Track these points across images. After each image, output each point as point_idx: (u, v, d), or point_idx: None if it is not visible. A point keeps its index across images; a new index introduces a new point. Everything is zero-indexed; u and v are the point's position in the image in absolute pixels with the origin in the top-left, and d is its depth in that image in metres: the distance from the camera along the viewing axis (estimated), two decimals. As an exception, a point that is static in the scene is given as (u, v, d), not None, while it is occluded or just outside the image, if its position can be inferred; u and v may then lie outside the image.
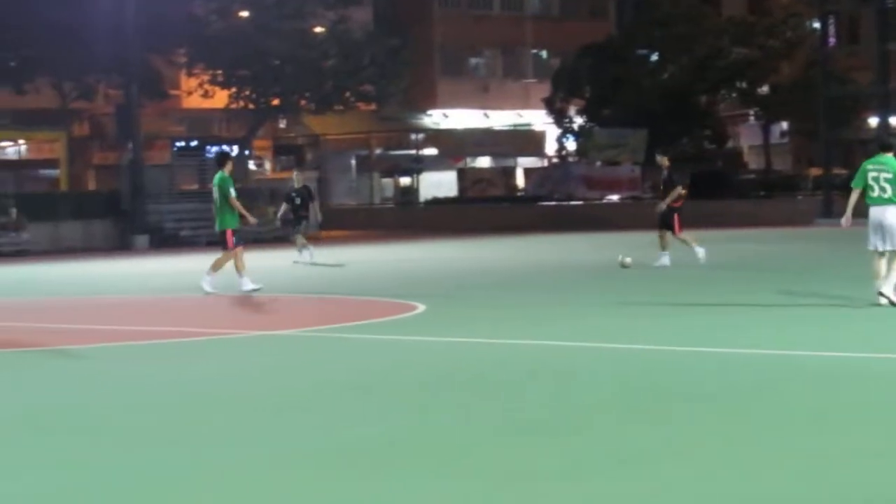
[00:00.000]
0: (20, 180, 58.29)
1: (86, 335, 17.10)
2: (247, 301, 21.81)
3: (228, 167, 23.20)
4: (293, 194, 32.50)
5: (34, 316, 20.93)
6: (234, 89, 59.11)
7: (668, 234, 25.96)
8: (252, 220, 23.47)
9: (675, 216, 26.03)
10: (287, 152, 69.52)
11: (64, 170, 54.34)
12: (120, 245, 46.03)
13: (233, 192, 22.71)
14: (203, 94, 59.64)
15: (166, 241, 46.29)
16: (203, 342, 15.89)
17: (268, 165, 69.95)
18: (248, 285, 22.68)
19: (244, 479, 8.05)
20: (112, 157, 58.07)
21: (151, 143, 57.96)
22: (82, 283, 29.04)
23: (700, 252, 25.79)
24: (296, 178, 33.63)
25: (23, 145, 61.79)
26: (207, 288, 22.85)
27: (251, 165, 64.43)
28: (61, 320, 19.97)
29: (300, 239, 31.84)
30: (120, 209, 47.79)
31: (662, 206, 25.96)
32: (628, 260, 25.62)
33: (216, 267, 23.00)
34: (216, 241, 23.82)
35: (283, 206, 33.00)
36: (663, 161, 26.75)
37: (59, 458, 8.87)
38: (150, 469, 8.36)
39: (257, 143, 66.76)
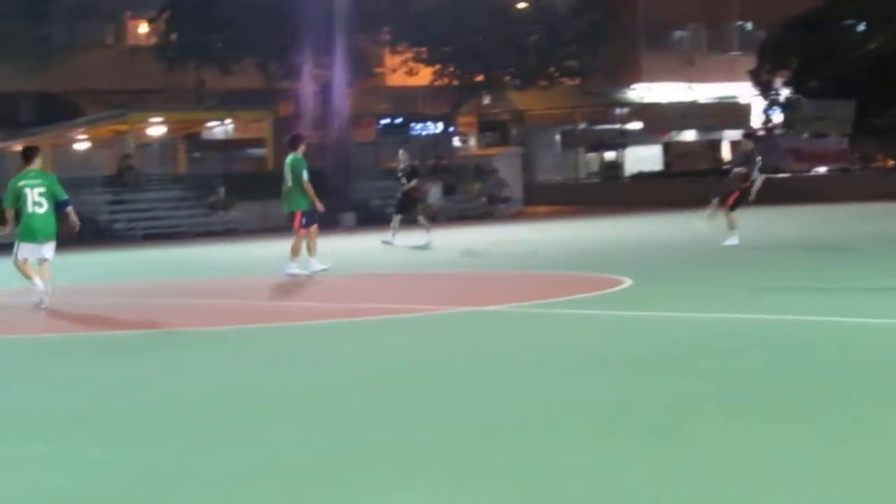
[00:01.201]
0: (228, 160, 59.24)
1: (303, 312, 17.10)
2: (454, 278, 21.68)
3: (301, 149, 23.08)
4: (399, 174, 31.54)
5: (249, 293, 21.07)
6: (437, 66, 59.17)
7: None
8: (320, 206, 23.02)
9: (735, 195, 25.71)
10: (491, 128, 69.50)
11: (270, 149, 55.00)
12: (326, 223, 46.29)
13: (305, 174, 22.58)
14: (407, 72, 59.79)
15: (372, 219, 46.52)
16: (413, 318, 15.76)
17: (472, 142, 69.94)
18: (316, 266, 22.64)
19: (460, 451, 7.80)
20: (317, 136, 58.64)
21: (356, 121, 58.35)
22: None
23: (730, 240, 25.10)
24: (401, 157, 32.05)
25: (230, 125, 62.71)
26: (294, 270, 22.63)
27: (456, 142, 64.51)
28: (273, 297, 20.07)
29: (421, 219, 31.03)
30: (326, 187, 48.18)
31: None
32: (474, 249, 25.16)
33: (294, 252, 22.85)
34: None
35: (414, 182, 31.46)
36: (747, 144, 26.74)
37: (263, 433, 8.75)
38: (356, 444, 8.18)
39: (462, 119, 66.75)
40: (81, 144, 58.39)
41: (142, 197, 48.35)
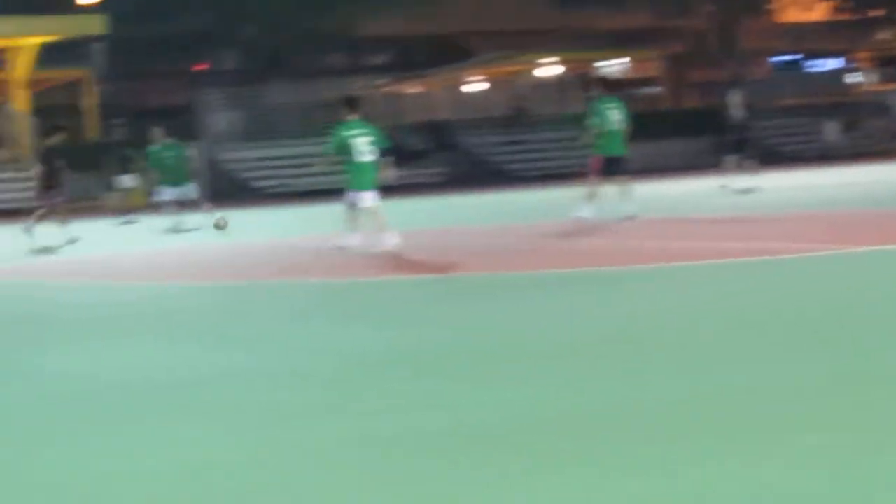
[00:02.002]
0: (622, 100, 58.73)
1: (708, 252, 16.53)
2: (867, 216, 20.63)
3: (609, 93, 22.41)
4: (733, 115, 30.36)
5: (634, 234, 20.61)
6: (836, 1, 57.11)
7: None
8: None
9: None
10: (889, 64, 66.74)
11: (663, 88, 54.28)
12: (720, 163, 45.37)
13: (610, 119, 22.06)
14: (803, 8, 57.93)
15: (769, 158, 45.23)
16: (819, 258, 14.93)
17: (869, 78, 67.35)
18: (583, 212, 22.22)
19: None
20: (711, 75, 57.47)
21: (751, 58, 56.94)
22: (690, 201, 28.61)
23: None
24: (732, 100, 30.88)
25: (623, 65, 62.26)
26: (584, 215, 22.24)
27: (853, 78, 62.30)
28: (672, 238, 19.55)
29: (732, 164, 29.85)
30: (720, 126, 47.20)
31: None
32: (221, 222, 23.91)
33: (590, 196, 22.49)
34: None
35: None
36: None
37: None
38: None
39: (858, 55, 64.35)
40: (473, 86, 58.98)
41: (535, 137, 48.45)
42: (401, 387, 8.22)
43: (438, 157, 50.26)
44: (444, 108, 56.74)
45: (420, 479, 5.80)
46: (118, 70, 54.95)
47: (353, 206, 18.64)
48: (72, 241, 23.92)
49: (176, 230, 26.25)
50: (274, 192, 44.06)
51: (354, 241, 18.36)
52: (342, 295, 14.48)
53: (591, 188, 22.87)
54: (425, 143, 51.39)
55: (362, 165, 18.43)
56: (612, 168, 22.91)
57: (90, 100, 49.77)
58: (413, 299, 13.47)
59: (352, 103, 19.04)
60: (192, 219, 27.14)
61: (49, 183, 24.68)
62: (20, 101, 43.84)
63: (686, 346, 9.26)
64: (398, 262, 17.32)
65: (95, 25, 42.68)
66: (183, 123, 48.57)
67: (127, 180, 33.63)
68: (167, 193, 27.33)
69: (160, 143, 28.00)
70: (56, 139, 25.56)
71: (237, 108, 50.14)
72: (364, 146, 18.42)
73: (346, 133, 18.47)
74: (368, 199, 18.55)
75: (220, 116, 49.24)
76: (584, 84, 23.10)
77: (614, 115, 23.05)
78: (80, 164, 37.17)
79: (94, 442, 7.16)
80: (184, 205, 27.58)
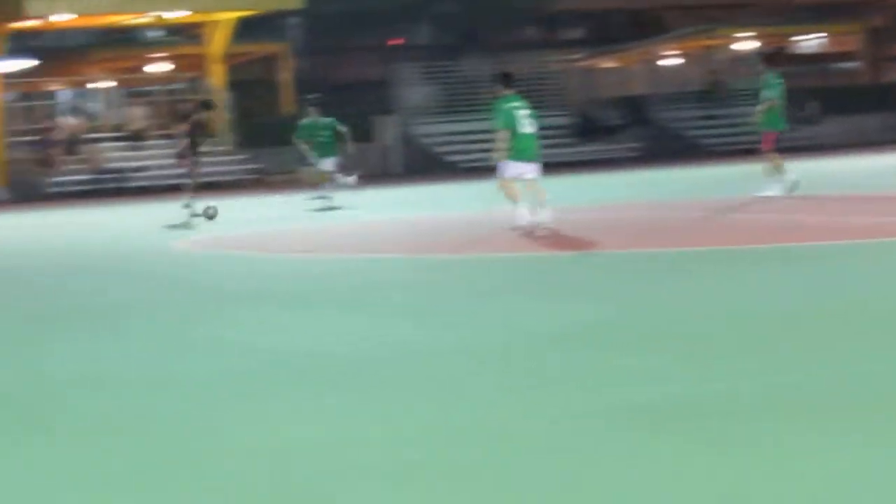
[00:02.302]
0: (820, 74, 57.61)
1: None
2: None
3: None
4: None
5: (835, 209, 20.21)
6: None
7: None
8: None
9: None
10: None
11: (861, 62, 53.06)
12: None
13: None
14: None
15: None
16: None
17: None
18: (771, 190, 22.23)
19: None
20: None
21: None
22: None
23: None
24: None
25: (820, 39, 60.99)
26: (773, 193, 22.21)
27: None
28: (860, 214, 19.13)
29: None
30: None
31: None
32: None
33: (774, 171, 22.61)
34: None
35: None
36: None
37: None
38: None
39: None
40: (669, 60, 58.39)
41: (730, 112, 47.78)
42: (603, 362, 8.21)
43: (634, 131, 49.92)
44: (639, 83, 56.31)
45: (638, 453, 5.81)
46: (314, 44, 55.62)
47: (516, 178, 18.65)
48: (210, 216, 24.47)
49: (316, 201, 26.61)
50: (467, 166, 44.19)
51: (523, 215, 18.34)
52: (527, 270, 14.47)
53: (773, 164, 22.75)
54: (621, 117, 51.09)
55: (525, 137, 18.53)
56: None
57: (286, 74, 50.48)
58: (593, 275, 13.41)
59: (507, 79, 19.19)
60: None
61: (190, 156, 25.32)
62: (217, 76, 44.66)
63: (876, 324, 9.05)
64: (567, 237, 17.30)
65: (291, 0, 43.30)
66: (378, 98, 49.04)
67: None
68: (326, 164, 27.92)
69: (313, 118, 28.45)
70: (201, 115, 26.25)
71: (431, 83, 50.38)
72: (525, 119, 18.52)
73: (509, 106, 18.57)
74: (532, 170, 18.59)
75: (414, 91, 49.54)
76: (763, 60, 22.80)
77: (777, 91, 22.95)
78: (275, 138, 37.77)
79: (297, 410, 7.28)
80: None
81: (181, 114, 39.59)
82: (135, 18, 44.00)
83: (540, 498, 5.17)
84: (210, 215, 24.76)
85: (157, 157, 39.84)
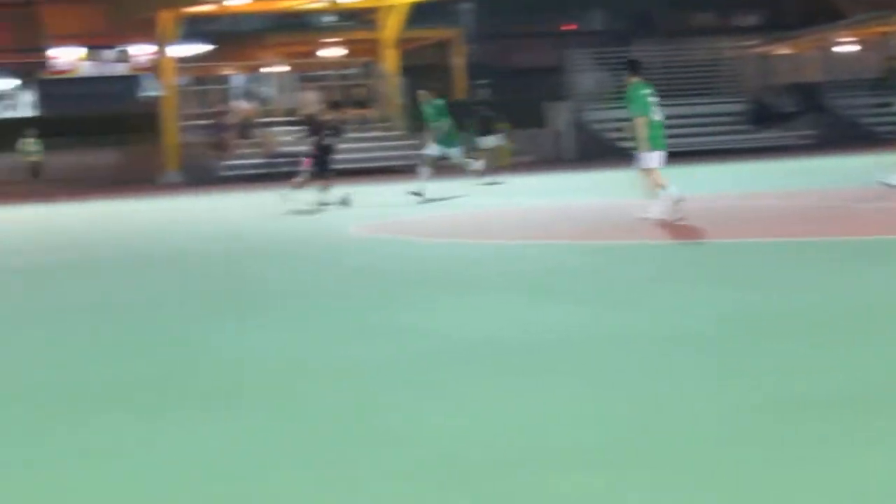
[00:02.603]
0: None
1: None
2: None
3: None
4: None
5: None
6: None
7: None
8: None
9: None
10: None
11: None
12: None
13: None
14: None
15: None
16: None
17: None
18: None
19: None
20: None
21: None
22: None
23: None
24: None
25: None
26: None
27: None
28: None
29: None
30: None
31: None
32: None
33: None
34: None
35: None
36: None
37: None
38: None
39: None
40: (844, 47, 57.31)
41: (908, 100, 46.66)
42: (787, 349, 8.07)
43: (808, 118, 49.16)
44: (814, 70, 55.39)
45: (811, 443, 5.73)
46: (486, 30, 55.63)
47: (654, 165, 18.53)
48: (344, 202, 24.58)
49: (416, 193, 26.48)
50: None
51: (665, 200, 18.20)
52: (691, 257, 14.32)
53: None
54: (795, 104, 50.36)
55: (657, 125, 18.37)
56: None
57: (458, 59, 50.57)
58: (748, 262, 13.25)
59: (635, 66, 19.04)
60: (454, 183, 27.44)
61: (318, 153, 25.55)
62: (390, 61, 44.92)
63: None
64: (724, 225, 17.09)
65: (465, -14, 43.39)
66: (550, 84, 48.89)
67: (491, 140, 33.98)
68: (434, 150, 27.75)
69: (428, 102, 28.50)
70: (327, 115, 26.67)
71: (604, 69, 50.08)
72: (656, 106, 18.37)
73: (642, 93, 18.43)
74: (659, 159, 18.44)
75: (586, 76, 49.26)
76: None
77: None
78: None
79: (475, 394, 7.27)
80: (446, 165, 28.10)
81: (349, 101, 39.99)
82: (309, 3, 44.42)
83: (723, 488, 5.07)
84: (345, 202, 25.03)
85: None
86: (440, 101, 28.52)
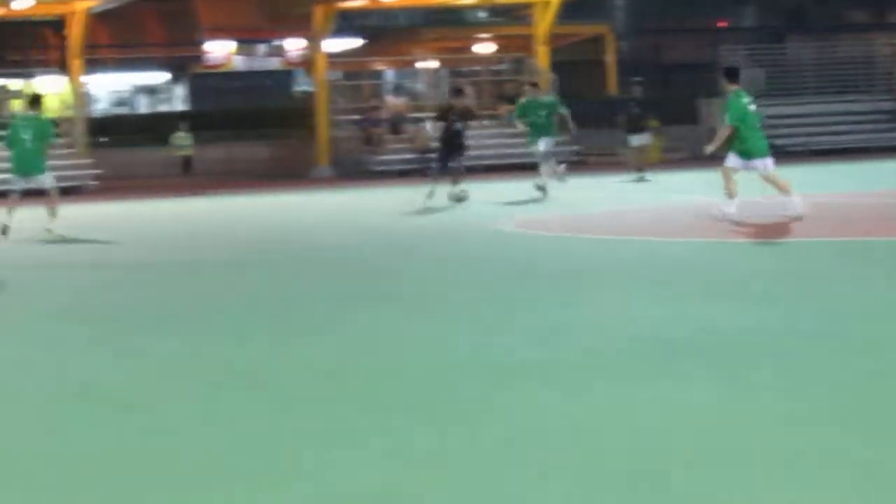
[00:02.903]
0: None
1: None
2: None
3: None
4: None
5: None
6: None
7: None
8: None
9: None
10: None
11: None
12: None
13: None
14: None
15: None
16: None
17: None
18: None
19: None
20: None
21: None
22: None
23: None
24: None
25: None
26: None
27: None
28: None
29: None
30: None
31: None
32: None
33: None
34: None
35: None
36: None
37: None
38: None
39: None
40: None
41: None
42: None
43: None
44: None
45: None
46: (638, 26, 55.21)
47: (763, 170, 18.43)
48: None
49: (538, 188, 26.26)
50: (792, 150, 43.25)
51: (731, 207, 18.08)
52: (814, 255, 14.18)
53: None
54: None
55: (756, 133, 18.24)
56: None
57: (610, 55, 50.25)
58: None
59: (732, 74, 18.93)
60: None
61: (446, 142, 25.00)
62: (542, 57, 44.72)
63: None
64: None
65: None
66: (703, 80, 48.34)
67: (639, 138, 33.51)
68: (543, 144, 27.41)
69: (530, 96, 28.30)
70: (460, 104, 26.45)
71: (757, 65, 49.41)
72: (756, 114, 18.19)
73: (742, 102, 18.27)
74: (769, 164, 18.26)
75: (740, 73, 48.63)
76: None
77: None
78: (597, 119, 37.63)
79: (656, 394, 7.19)
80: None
81: (506, 95, 39.86)
82: (461, -1, 44.41)
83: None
84: (460, 199, 24.80)
85: (481, 138, 40.06)
86: (548, 98, 28.30)
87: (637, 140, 32.83)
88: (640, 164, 32.18)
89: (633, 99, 33.70)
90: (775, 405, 6.78)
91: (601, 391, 7.39)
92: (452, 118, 25.54)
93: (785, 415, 6.53)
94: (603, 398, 7.18)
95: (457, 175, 25.35)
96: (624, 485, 5.42)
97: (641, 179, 31.01)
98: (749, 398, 6.97)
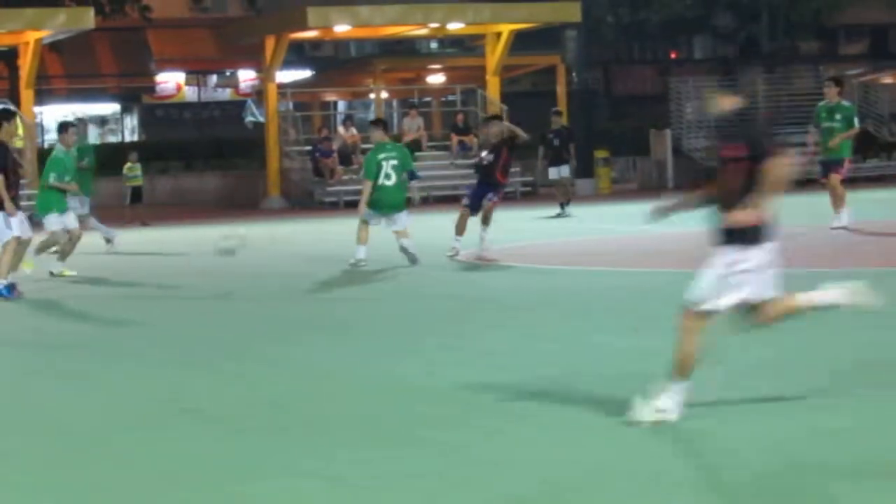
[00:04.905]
0: None
1: None
2: None
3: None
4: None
5: None
6: None
7: None
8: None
9: None
10: None
11: None
12: None
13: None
14: None
15: None
16: None
17: None
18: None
19: None
20: None
21: None
22: None
23: None
24: None
25: None
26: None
27: None
28: None
29: None
30: None
31: None
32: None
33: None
34: None
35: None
36: None
37: None
38: None
39: None
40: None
41: None
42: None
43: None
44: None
45: None
46: (590, 57, 55.38)
47: None
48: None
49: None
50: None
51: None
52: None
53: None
54: (899, 134, 49.74)
55: None
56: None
57: (561, 87, 50.34)
58: None
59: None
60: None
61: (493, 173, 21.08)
62: (492, 88, 44.70)
63: None
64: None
65: (570, 13, 43.00)
66: (655, 111, 48.53)
67: (558, 170, 31.57)
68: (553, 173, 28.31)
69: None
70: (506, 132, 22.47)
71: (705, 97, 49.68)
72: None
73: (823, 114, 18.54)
74: None
75: (691, 104, 48.77)
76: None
77: None
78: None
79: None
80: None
81: (457, 127, 39.72)
82: (414, 30, 44.36)
83: None
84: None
85: (431, 168, 40.03)
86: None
87: (555, 172, 31.22)
88: (562, 198, 30.52)
89: (553, 130, 31.76)
90: None
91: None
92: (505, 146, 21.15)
93: None
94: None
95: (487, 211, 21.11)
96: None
97: (560, 215, 29.66)
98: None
